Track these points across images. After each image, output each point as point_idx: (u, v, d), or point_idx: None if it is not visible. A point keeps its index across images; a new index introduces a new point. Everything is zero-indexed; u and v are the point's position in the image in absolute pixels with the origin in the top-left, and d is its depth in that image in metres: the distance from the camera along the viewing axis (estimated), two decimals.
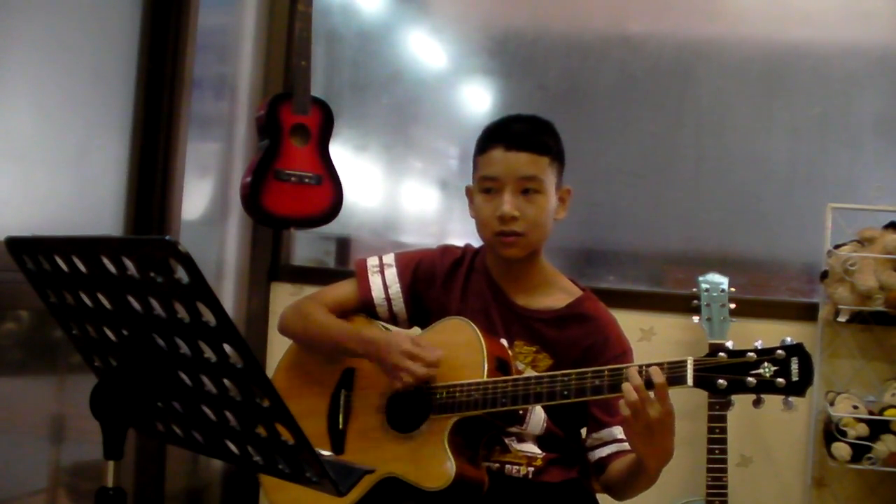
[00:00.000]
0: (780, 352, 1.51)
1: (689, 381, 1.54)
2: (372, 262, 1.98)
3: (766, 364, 1.51)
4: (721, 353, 1.54)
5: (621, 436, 1.76)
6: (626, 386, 1.55)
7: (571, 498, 1.85)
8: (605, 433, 1.81)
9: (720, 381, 1.52)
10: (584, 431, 1.90)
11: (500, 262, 1.89)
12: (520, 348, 1.86)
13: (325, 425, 1.90)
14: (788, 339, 1.52)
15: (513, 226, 1.80)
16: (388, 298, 1.94)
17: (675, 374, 1.55)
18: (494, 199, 1.81)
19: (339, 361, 1.92)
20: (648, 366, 1.56)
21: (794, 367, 1.50)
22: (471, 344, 1.76)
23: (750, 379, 1.51)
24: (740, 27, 3.08)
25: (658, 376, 1.53)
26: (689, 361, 1.55)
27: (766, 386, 1.50)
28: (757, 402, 1.53)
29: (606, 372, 1.63)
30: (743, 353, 1.53)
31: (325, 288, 2.02)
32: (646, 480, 1.69)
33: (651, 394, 1.53)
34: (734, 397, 1.56)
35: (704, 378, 1.54)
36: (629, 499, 1.81)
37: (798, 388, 1.49)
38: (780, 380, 1.49)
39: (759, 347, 1.53)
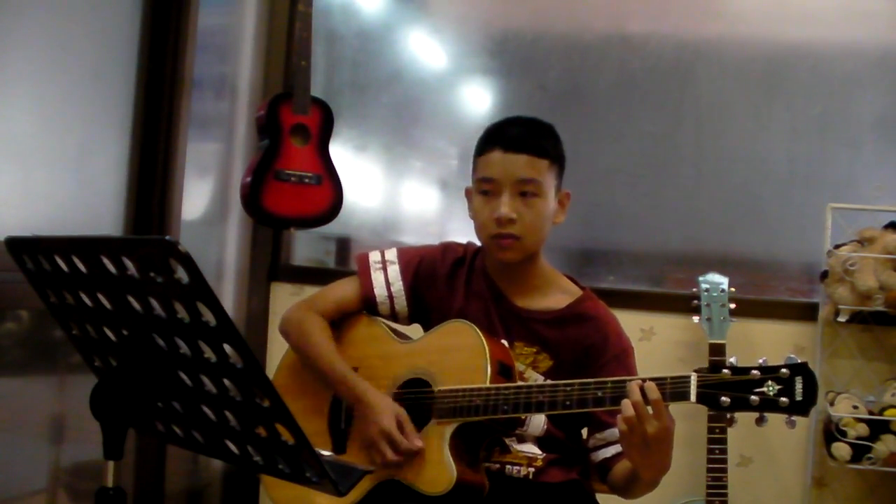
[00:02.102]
0: (784, 370, 1.50)
1: (693, 397, 1.53)
2: (374, 257, 1.97)
3: (769, 382, 1.50)
4: (725, 370, 1.53)
5: None
6: (624, 403, 1.54)
7: (572, 498, 1.85)
8: (608, 434, 1.80)
9: (723, 398, 1.51)
10: (585, 431, 1.90)
11: (499, 263, 1.89)
12: (520, 349, 1.86)
13: (326, 424, 1.90)
14: (793, 357, 1.51)
15: (510, 228, 1.79)
16: (390, 296, 1.94)
17: (677, 389, 1.54)
18: (492, 201, 1.80)
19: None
20: (649, 380, 1.55)
21: (798, 386, 1.48)
22: (474, 348, 1.75)
23: (753, 397, 1.50)
24: (740, 27, 3.08)
25: (654, 392, 1.53)
26: (692, 377, 1.54)
27: (769, 405, 1.49)
28: (760, 421, 1.52)
29: (609, 384, 1.63)
30: (747, 370, 1.52)
31: (326, 288, 2.01)
32: (645, 487, 1.69)
33: (649, 409, 1.53)
34: (737, 415, 1.55)
35: (707, 395, 1.53)
36: (634, 499, 1.81)
37: (801, 408, 1.48)
38: (784, 399, 1.48)
39: (764, 365, 1.51)
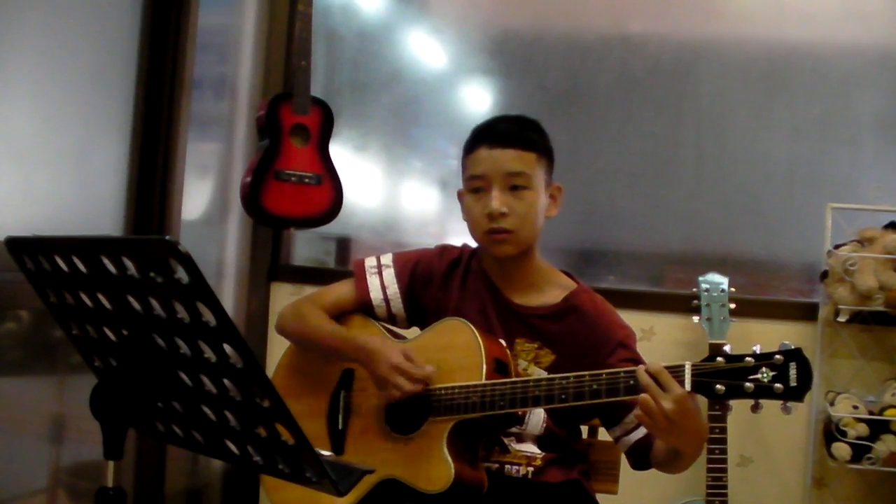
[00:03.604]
0: (778, 357, 1.50)
1: (687, 385, 1.54)
2: (370, 262, 1.98)
3: (764, 369, 1.50)
4: (719, 358, 1.53)
5: None
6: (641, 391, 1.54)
7: (571, 498, 1.85)
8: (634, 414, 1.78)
9: (718, 386, 1.52)
10: (585, 431, 1.89)
11: (496, 261, 1.89)
12: (521, 346, 1.86)
13: (324, 426, 1.90)
14: (787, 344, 1.51)
15: (502, 222, 1.79)
16: (386, 299, 1.94)
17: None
18: (483, 197, 1.81)
19: (339, 362, 1.92)
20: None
21: (793, 372, 1.49)
22: (469, 345, 1.76)
23: (748, 384, 1.50)
24: (741, 27, 3.08)
25: (654, 365, 1.54)
26: (686, 366, 1.55)
27: (764, 391, 1.50)
28: (755, 408, 1.52)
29: (604, 375, 1.63)
30: (741, 357, 1.52)
31: (323, 288, 2.02)
32: (690, 459, 1.68)
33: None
34: (732, 402, 1.56)
35: (702, 383, 1.53)
36: (682, 472, 1.76)
37: (796, 394, 1.49)
38: (778, 385, 1.49)
39: (758, 352, 1.52)
